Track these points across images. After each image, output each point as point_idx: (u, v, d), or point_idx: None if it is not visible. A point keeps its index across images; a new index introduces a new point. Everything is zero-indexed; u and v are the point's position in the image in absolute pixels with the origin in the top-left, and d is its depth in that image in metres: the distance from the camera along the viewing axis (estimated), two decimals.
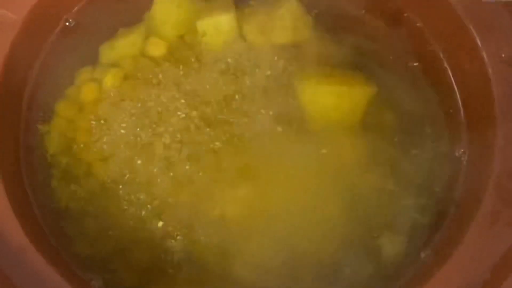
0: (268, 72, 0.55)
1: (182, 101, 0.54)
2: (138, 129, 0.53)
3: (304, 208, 0.52)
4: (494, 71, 0.50)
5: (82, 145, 0.53)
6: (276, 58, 0.56)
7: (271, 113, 0.54)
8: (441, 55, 0.56)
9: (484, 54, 0.50)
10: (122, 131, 0.53)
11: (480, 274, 0.44)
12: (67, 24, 0.57)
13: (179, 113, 0.54)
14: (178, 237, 0.51)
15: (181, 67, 0.55)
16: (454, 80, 0.55)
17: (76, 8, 0.57)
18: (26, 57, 0.54)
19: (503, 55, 0.50)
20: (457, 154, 0.53)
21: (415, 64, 0.56)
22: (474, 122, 0.53)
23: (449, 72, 0.55)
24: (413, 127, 0.54)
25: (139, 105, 0.54)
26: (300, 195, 0.52)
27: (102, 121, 0.54)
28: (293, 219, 0.51)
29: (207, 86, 0.55)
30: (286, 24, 0.56)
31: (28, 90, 0.55)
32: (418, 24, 0.57)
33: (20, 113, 0.54)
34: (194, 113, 0.54)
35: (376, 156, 0.53)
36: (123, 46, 0.56)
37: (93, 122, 0.54)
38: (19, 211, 0.47)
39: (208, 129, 0.53)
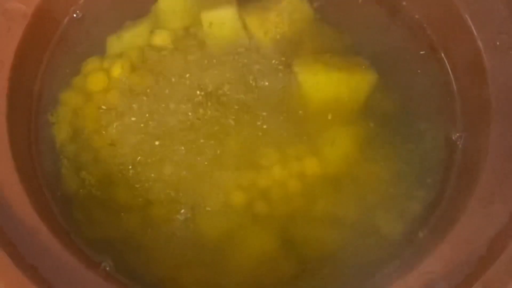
0: (270, 62, 0.56)
1: (188, 90, 0.55)
2: (146, 115, 0.54)
3: (305, 194, 0.53)
4: (489, 58, 0.51)
5: (90, 133, 0.54)
6: (278, 48, 0.57)
7: (273, 101, 0.55)
8: (438, 44, 0.57)
9: (480, 43, 0.52)
10: (130, 118, 0.54)
11: (476, 251, 0.45)
12: (75, 15, 0.58)
13: (184, 101, 0.55)
14: (184, 219, 0.52)
15: (186, 57, 0.56)
16: (450, 68, 0.56)
17: (83, 0, 0.58)
18: (36, 49, 0.55)
19: (498, 43, 0.51)
20: (453, 137, 0.54)
21: (413, 52, 0.57)
22: (470, 107, 0.54)
23: (445, 60, 0.56)
24: (411, 113, 0.55)
25: (148, 90, 0.55)
26: (301, 181, 0.53)
27: (109, 109, 0.55)
28: (295, 204, 0.53)
29: (211, 76, 0.56)
30: (287, 15, 0.57)
31: (37, 81, 0.56)
32: (415, 13, 0.58)
33: (31, 104, 0.55)
34: (199, 101, 0.55)
35: (375, 141, 0.54)
36: (130, 37, 0.57)
37: (101, 110, 0.55)
38: (33, 197, 0.48)
39: (212, 117, 0.54)
